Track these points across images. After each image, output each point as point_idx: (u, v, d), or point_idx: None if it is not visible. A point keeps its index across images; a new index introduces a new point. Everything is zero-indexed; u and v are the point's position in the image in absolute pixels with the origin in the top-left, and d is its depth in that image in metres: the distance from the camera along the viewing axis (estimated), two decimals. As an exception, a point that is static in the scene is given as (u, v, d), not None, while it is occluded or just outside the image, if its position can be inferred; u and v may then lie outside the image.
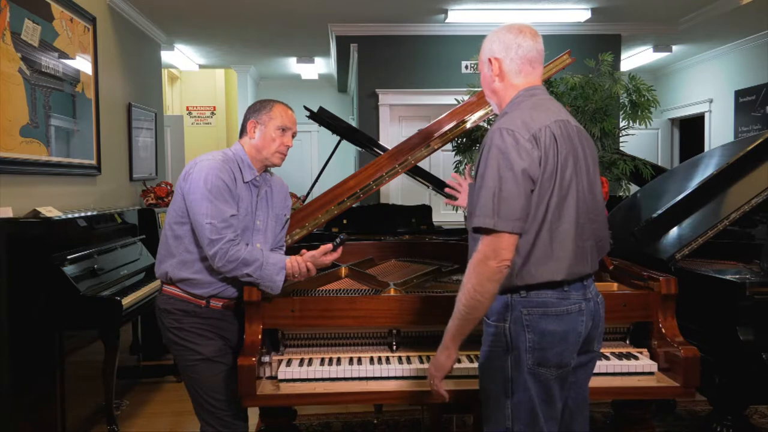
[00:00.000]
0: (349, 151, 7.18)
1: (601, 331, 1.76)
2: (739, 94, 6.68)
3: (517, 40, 1.71)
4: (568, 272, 1.62)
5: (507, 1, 5.23)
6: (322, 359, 2.17)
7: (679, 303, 2.21)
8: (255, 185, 2.24)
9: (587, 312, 1.67)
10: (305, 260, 2.15)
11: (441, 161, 5.84)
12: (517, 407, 1.63)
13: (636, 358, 2.20)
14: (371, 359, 2.17)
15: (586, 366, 1.77)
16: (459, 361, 2.14)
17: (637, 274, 2.36)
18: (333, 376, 2.09)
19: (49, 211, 3.29)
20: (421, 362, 2.14)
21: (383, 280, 2.46)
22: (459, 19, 5.57)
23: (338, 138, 4.40)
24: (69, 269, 3.05)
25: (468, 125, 2.68)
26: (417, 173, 4.15)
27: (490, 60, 1.75)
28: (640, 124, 3.82)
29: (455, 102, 3.25)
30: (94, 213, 3.65)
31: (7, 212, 3.07)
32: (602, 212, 1.75)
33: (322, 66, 8.06)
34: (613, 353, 2.22)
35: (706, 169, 3.07)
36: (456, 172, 3.96)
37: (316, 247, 2.20)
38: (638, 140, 6.44)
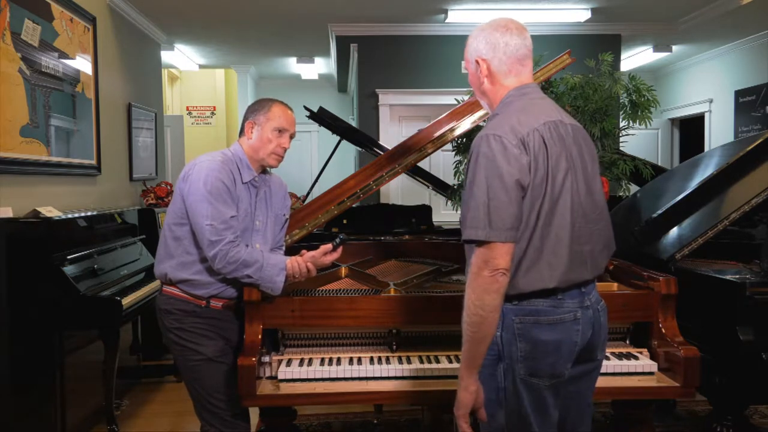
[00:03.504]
0: (349, 151, 7.18)
1: (604, 339, 1.70)
2: (739, 94, 6.67)
3: (504, 39, 1.64)
4: (561, 279, 1.55)
5: (507, 1, 5.23)
6: (322, 359, 2.17)
7: (679, 303, 2.21)
8: (254, 185, 2.24)
9: (584, 320, 1.60)
10: (305, 261, 2.15)
11: (441, 161, 5.84)
12: (510, 416, 1.59)
13: (636, 358, 2.20)
14: (371, 359, 2.17)
15: (590, 375, 1.70)
16: (459, 362, 2.14)
17: (637, 274, 2.36)
18: (333, 376, 2.10)
19: (49, 211, 3.29)
20: (421, 362, 2.14)
21: (383, 280, 2.46)
22: (459, 19, 5.57)
23: (338, 138, 4.41)
24: (69, 269, 3.05)
25: (468, 125, 2.69)
26: (417, 173, 4.16)
27: (477, 61, 1.68)
28: (640, 124, 3.81)
29: (455, 102, 3.24)
30: (94, 213, 3.65)
31: (7, 212, 3.07)
32: (604, 213, 1.68)
33: (322, 66, 8.06)
34: (613, 353, 2.22)
35: (706, 169, 3.07)
36: (456, 172, 3.95)
37: (316, 247, 2.20)
38: (638, 140, 6.44)
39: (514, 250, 1.52)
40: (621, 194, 4.08)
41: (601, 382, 2.06)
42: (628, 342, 2.32)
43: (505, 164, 1.50)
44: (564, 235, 1.56)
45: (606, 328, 1.71)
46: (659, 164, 5.18)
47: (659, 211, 2.93)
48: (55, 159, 3.66)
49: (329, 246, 2.20)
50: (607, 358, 2.17)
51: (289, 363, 2.15)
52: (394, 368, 2.11)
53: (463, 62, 6.39)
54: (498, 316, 1.53)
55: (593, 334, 1.64)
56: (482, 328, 1.51)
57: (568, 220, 1.56)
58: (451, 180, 4.20)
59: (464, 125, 2.68)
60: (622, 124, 3.90)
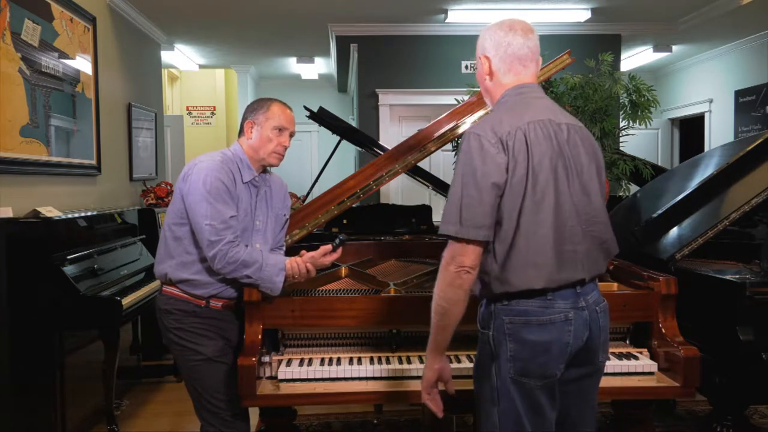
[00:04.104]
0: (349, 151, 7.17)
1: (604, 341, 1.68)
2: (739, 94, 6.68)
3: (507, 38, 1.66)
4: (549, 279, 1.55)
5: (507, 1, 5.23)
6: (322, 359, 2.17)
7: (679, 303, 2.21)
8: (254, 185, 2.24)
9: (578, 322, 1.58)
10: (305, 261, 2.15)
11: (441, 161, 5.84)
12: (503, 415, 1.59)
13: (636, 358, 2.20)
14: (371, 359, 2.17)
15: (591, 377, 1.69)
16: (459, 361, 2.15)
17: (637, 274, 2.36)
18: (333, 376, 2.09)
19: (49, 211, 3.29)
20: (421, 362, 2.14)
21: (383, 280, 2.46)
22: (459, 19, 5.57)
23: (338, 138, 4.40)
24: (69, 269, 3.05)
25: (468, 125, 2.68)
26: (417, 173, 4.15)
27: (480, 58, 1.72)
28: (640, 124, 3.82)
29: (455, 102, 3.25)
30: (94, 213, 3.65)
31: (7, 212, 3.07)
32: (601, 213, 1.66)
33: (322, 66, 8.06)
34: (613, 353, 2.21)
35: (706, 169, 3.07)
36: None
37: (315, 248, 2.20)
38: (638, 140, 6.43)
39: (483, 249, 1.56)
40: (621, 194, 4.08)
41: (601, 382, 2.06)
42: (628, 342, 2.32)
43: (480, 163, 1.53)
44: (549, 235, 1.55)
45: (607, 330, 1.69)
46: (659, 164, 5.18)
47: (659, 211, 2.93)
48: (55, 159, 3.65)
49: (329, 246, 2.19)
50: (607, 358, 2.17)
51: (289, 363, 2.15)
52: (395, 368, 2.11)
53: (463, 62, 6.41)
54: (461, 310, 1.58)
55: (591, 335, 1.62)
56: (445, 318, 1.59)
57: (552, 219, 1.55)
58: (450, 180, 4.20)
59: (464, 125, 2.67)
60: (622, 124, 3.91)
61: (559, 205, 1.56)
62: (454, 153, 4.00)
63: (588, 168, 1.65)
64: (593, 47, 5.10)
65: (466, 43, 5.87)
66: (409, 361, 2.15)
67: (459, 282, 1.55)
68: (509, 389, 1.57)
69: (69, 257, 3.09)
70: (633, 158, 3.84)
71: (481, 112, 2.64)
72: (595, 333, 1.63)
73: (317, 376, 2.09)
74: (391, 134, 6.11)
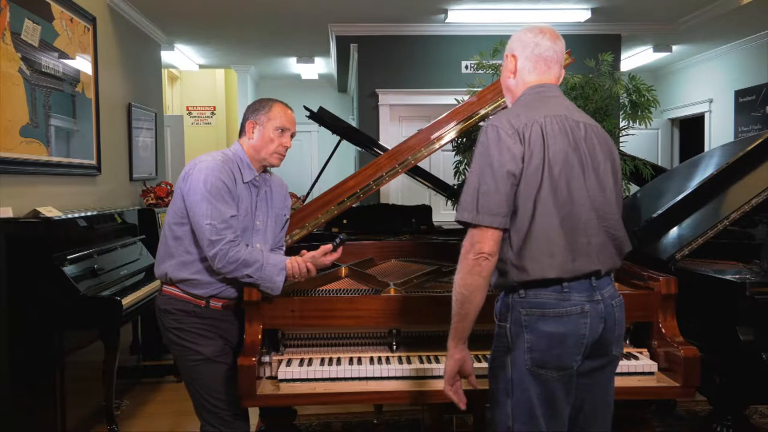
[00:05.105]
0: (349, 151, 7.17)
1: (618, 334, 1.71)
2: (739, 94, 6.67)
3: (536, 40, 1.74)
4: (563, 269, 1.59)
5: (507, 1, 5.23)
6: (322, 359, 2.17)
7: (679, 303, 2.21)
8: (255, 185, 2.24)
9: (594, 314, 1.62)
10: (305, 261, 2.15)
11: (441, 161, 5.84)
12: (516, 407, 1.62)
13: (636, 358, 2.20)
14: (371, 359, 2.17)
15: (604, 370, 1.71)
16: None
17: (637, 274, 2.36)
18: (333, 376, 2.10)
19: (49, 211, 3.29)
20: (421, 362, 2.14)
21: (383, 280, 2.46)
22: (459, 19, 5.57)
23: (338, 138, 4.40)
24: (69, 269, 3.05)
25: (468, 124, 2.68)
26: (417, 173, 4.15)
27: (507, 56, 1.79)
28: (640, 124, 3.81)
29: (455, 102, 3.25)
30: (94, 213, 3.65)
31: (7, 212, 3.07)
32: (615, 210, 1.71)
33: (322, 66, 8.06)
34: (613, 353, 2.21)
35: (706, 169, 3.07)
36: (456, 172, 3.94)
37: (316, 247, 2.20)
38: (638, 140, 6.42)
39: (500, 236, 1.60)
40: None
41: (601, 382, 2.06)
42: (628, 342, 2.32)
43: (496, 153, 1.58)
44: (564, 225, 1.59)
45: (622, 324, 1.72)
46: (659, 164, 5.17)
47: (659, 211, 2.93)
48: (55, 159, 3.65)
49: (329, 246, 2.20)
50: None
51: (289, 363, 2.15)
52: (394, 368, 2.11)
53: (463, 62, 6.40)
54: (481, 298, 1.61)
55: (606, 328, 1.65)
56: (465, 306, 1.61)
57: (567, 211, 1.60)
58: (451, 180, 4.20)
59: (465, 124, 2.67)
60: (622, 124, 3.91)
61: (575, 197, 1.61)
62: (454, 153, 4.00)
63: (604, 166, 1.70)
64: (593, 47, 5.09)
65: (466, 43, 5.87)
66: (409, 361, 2.15)
67: (478, 269, 1.58)
68: (525, 380, 1.61)
69: (69, 257, 3.09)
70: (633, 158, 3.83)
71: (481, 112, 2.63)
72: (610, 326, 1.67)
73: (317, 376, 2.09)
74: (391, 134, 6.10)
